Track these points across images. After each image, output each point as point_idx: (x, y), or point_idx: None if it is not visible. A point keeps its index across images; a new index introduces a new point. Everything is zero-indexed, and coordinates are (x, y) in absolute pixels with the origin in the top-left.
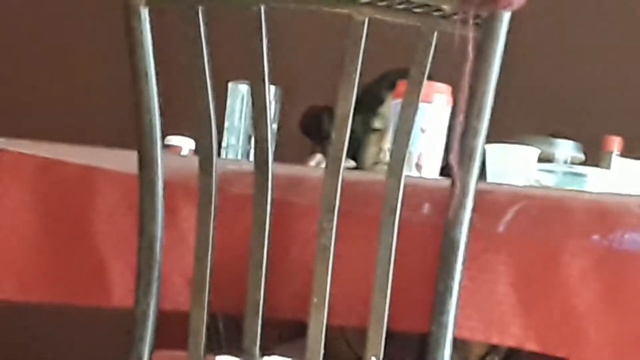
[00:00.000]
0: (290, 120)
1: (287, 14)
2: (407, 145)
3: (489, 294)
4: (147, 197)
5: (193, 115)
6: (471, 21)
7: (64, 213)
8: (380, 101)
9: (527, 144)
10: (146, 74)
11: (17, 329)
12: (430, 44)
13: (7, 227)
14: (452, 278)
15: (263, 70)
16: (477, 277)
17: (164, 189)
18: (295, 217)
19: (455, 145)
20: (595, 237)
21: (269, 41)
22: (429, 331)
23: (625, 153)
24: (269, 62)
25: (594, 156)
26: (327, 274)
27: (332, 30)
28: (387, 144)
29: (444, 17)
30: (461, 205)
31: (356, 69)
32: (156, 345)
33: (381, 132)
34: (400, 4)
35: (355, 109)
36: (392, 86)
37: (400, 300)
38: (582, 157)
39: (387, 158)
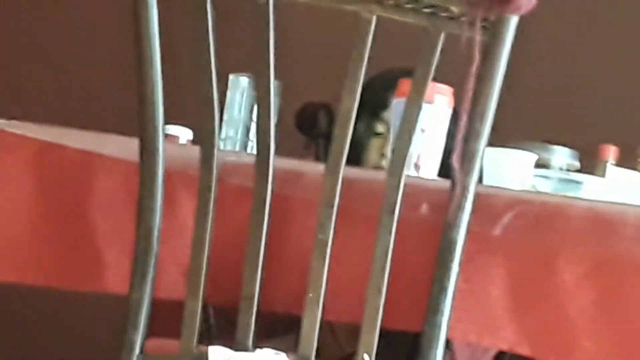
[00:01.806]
0: (286, 115)
1: (289, 8)
2: (408, 145)
3: (482, 296)
4: (147, 185)
5: (195, 105)
6: (479, 24)
7: (63, 197)
8: (385, 106)
9: (524, 149)
10: (151, 62)
11: (10, 311)
12: (437, 45)
13: (5, 208)
14: (448, 279)
15: (268, 64)
16: (472, 279)
17: (164, 178)
18: (293, 211)
19: (458, 147)
20: (591, 244)
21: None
22: (422, 331)
23: (621, 163)
24: (275, 55)
25: (590, 164)
26: (324, 269)
27: (332, 26)
28: (389, 150)
29: (451, 18)
30: (460, 207)
31: (361, 67)
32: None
33: (384, 136)
34: (408, 3)
35: (358, 111)
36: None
37: (394, 299)
38: (577, 164)
39: None
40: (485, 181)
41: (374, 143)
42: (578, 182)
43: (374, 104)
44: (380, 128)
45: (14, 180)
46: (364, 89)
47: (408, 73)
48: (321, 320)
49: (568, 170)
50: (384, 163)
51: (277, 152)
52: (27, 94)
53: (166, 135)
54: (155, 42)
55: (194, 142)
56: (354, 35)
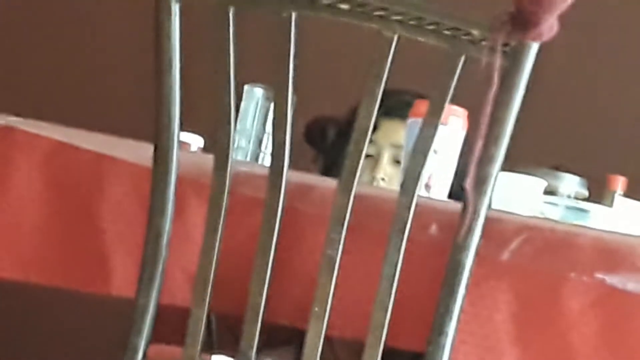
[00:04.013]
0: (297, 128)
1: (307, 22)
2: (422, 165)
3: (486, 321)
4: (159, 191)
5: (208, 113)
6: (499, 49)
7: (72, 198)
8: (374, 127)
9: (534, 175)
10: (170, 69)
11: (12, 312)
12: (456, 67)
13: (15, 206)
14: (454, 301)
15: (287, 77)
16: (477, 303)
17: (176, 184)
18: (303, 225)
19: (473, 170)
20: (599, 275)
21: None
22: (426, 351)
23: (629, 194)
24: (294, 69)
25: (598, 194)
26: (331, 284)
27: (348, 41)
28: (380, 173)
29: (472, 42)
30: (470, 230)
31: (380, 85)
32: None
33: (373, 159)
34: (430, 24)
35: (347, 133)
36: (386, 113)
37: (399, 317)
38: (585, 193)
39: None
40: (494, 205)
41: (364, 165)
42: (585, 211)
43: None
44: (370, 150)
45: (24, 179)
46: (353, 110)
47: (398, 94)
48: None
49: (576, 198)
50: (375, 185)
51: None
52: (44, 95)
53: None
54: (176, 50)
55: (205, 149)
56: (374, 53)
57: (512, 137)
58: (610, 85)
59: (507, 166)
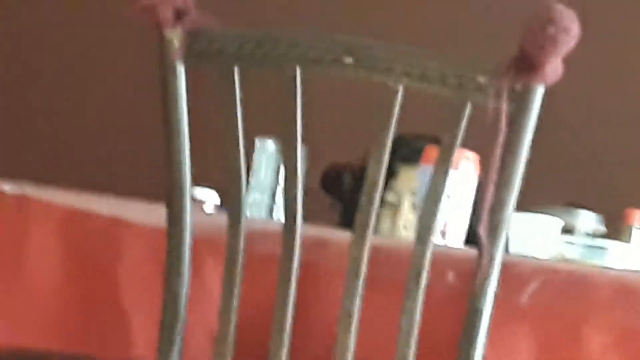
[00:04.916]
0: (311, 177)
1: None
2: (436, 212)
3: None
4: (174, 253)
5: (222, 171)
6: (505, 94)
7: (89, 264)
8: (393, 174)
9: (549, 214)
10: (179, 129)
11: None
12: (463, 115)
13: (32, 275)
14: (474, 348)
15: (295, 132)
16: (498, 348)
17: (191, 244)
18: (320, 279)
19: (485, 216)
20: (618, 314)
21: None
22: None
23: None
24: (302, 123)
25: (614, 229)
26: (351, 339)
27: (357, 89)
28: (401, 220)
29: (478, 88)
30: (487, 276)
31: (388, 135)
32: None
33: (394, 206)
34: (434, 73)
35: (363, 180)
36: (405, 158)
37: None
38: (603, 229)
39: (402, 234)
40: (511, 247)
41: (384, 213)
42: (603, 248)
43: None
44: (390, 197)
45: (40, 248)
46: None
47: (414, 139)
48: None
49: (594, 234)
50: (396, 234)
51: (303, 215)
52: (54, 159)
53: (192, 199)
54: (183, 109)
55: (221, 205)
56: (380, 104)
57: (525, 176)
58: (621, 118)
59: (521, 205)
